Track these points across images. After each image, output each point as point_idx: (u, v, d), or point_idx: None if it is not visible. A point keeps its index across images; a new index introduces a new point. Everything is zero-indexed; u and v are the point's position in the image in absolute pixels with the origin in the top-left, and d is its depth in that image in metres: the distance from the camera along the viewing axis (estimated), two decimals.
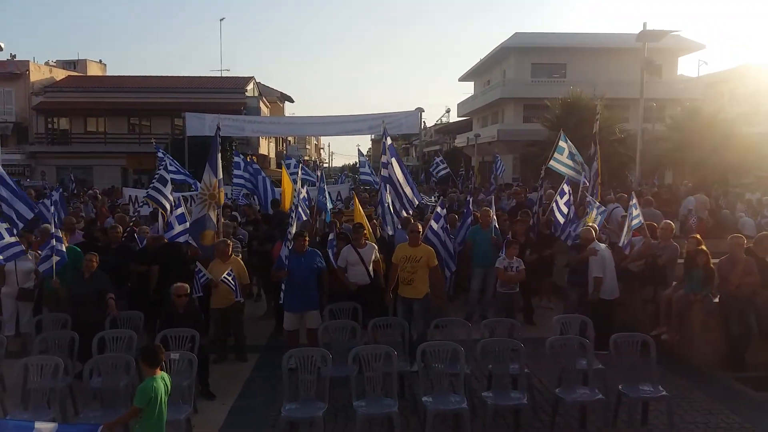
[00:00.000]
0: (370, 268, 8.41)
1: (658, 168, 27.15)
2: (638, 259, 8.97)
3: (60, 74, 42.28)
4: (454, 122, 57.87)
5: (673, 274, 8.77)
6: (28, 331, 8.56)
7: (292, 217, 8.52)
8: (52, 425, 4.71)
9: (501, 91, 39.36)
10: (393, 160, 10.65)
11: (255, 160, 29.90)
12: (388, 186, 10.27)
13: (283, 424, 5.57)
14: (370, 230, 9.57)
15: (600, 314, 7.95)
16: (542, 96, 30.85)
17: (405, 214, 10.27)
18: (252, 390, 7.35)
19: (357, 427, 5.54)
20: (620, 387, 6.08)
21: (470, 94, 49.57)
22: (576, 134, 13.49)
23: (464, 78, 50.53)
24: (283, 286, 7.86)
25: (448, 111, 67.20)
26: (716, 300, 7.97)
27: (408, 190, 10.62)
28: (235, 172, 14.81)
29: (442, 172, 21.28)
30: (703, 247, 8.28)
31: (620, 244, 9.17)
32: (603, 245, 8.75)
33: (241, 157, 15.08)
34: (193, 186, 15.13)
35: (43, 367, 5.83)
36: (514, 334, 6.87)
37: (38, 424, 4.66)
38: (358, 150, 16.14)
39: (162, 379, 4.58)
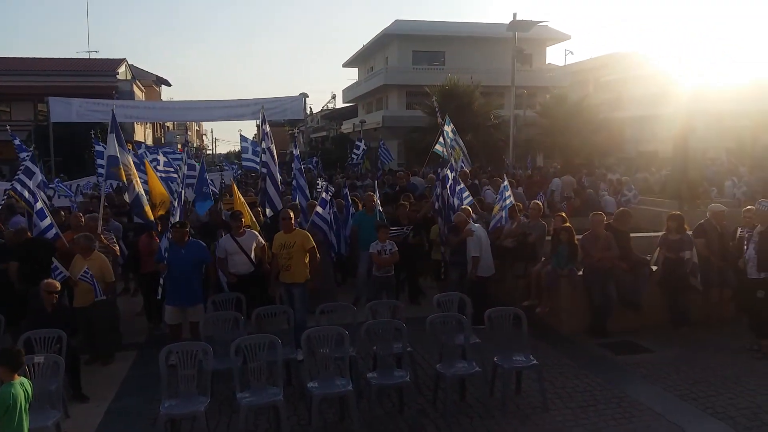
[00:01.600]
0: (252, 255, 8.28)
1: (530, 151, 28.83)
2: (510, 236, 9.52)
3: None
4: (340, 108, 57.93)
5: (542, 250, 9.39)
6: None
7: (173, 206, 8.18)
8: None
9: (384, 77, 39.87)
10: (272, 146, 10.50)
11: (131, 148, 28.17)
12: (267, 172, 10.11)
13: (162, 421, 5.36)
14: (252, 217, 9.40)
15: (478, 291, 8.39)
16: (423, 83, 31.62)
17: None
18: (130, 389, 7.00)
19: (241, 419, 5.46)
20: (495, 359, 6.45)
21: (355, 80, 49.80)
22: (454, 120, 13.96)
23: (348, 64, 50.64)
24: (161, 280, 7.53)
25: (333, 97, 67.14)
26: (580, 273, 8.65)
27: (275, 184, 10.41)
28: (98, 161, 13.94)
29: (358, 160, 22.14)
30: (568, 224, 8.93)
31: (493, 224, 9.70)
32: (477, 225, 9.21)
33: (102, 145, 14.20)
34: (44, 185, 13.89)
35: None
36: (396, 314, 7.07)
37: None
38: (240, 135, 15.71)
39: (21, 385, 4.23)
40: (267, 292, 8.33)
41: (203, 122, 75.83)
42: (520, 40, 24.02)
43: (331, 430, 5.91)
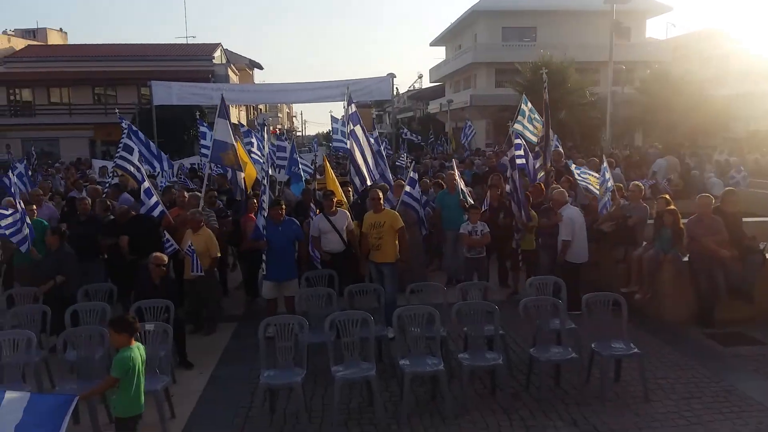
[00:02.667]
0: (344, 235, 8.42)
1: (628, 131, 27.45)
2: (609, 220, 9.11)
3: (20, 44, 40.76)
4: (426, 88, 57.50)
5: (643, 234, 8.93)
6: None
7: (264, 186, 8.43)
8: (24, 394, 4.65)
9: (472, 55, 39.14)
10: (357, 128, 10.54)
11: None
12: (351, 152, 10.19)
13: (262, 390, 5.59)
14: (343, 197, 9.53)
15: (569, 277, 8.08)
16: (513, 60, 30.77)
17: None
18: (230, 359, 7.35)
19: (336, 392, 5.59)
20: (593, 345, 6.23)
21: (442, 59, 49.22)
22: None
23: (436, 42, 50.06)
24: (264, 256, 7.81)
25: (420, 77, 66.70)
26: (685, 259, 8.16)
27: (370, 161, 10.43)
28: (202, 142, 14.54)
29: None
30: (672, 206, 8.43)
31: (601, 207, 9.28)
32: (575, 208, 8.85)
33: (206, 126, 14.81)
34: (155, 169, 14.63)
35: (16, 342, 5.74)
36: (487, 296, 6.98)
37: (8, 394, 4.60)
38: (331, 116, 15.89)
39: (138, 349, 4.54)
40: (358, 270, 8.44)
41: (293, 104, 77.68)
42: (617, 12, 22.73)
43: (423, 407, 5.93)
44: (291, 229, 7.95)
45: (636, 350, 6.12)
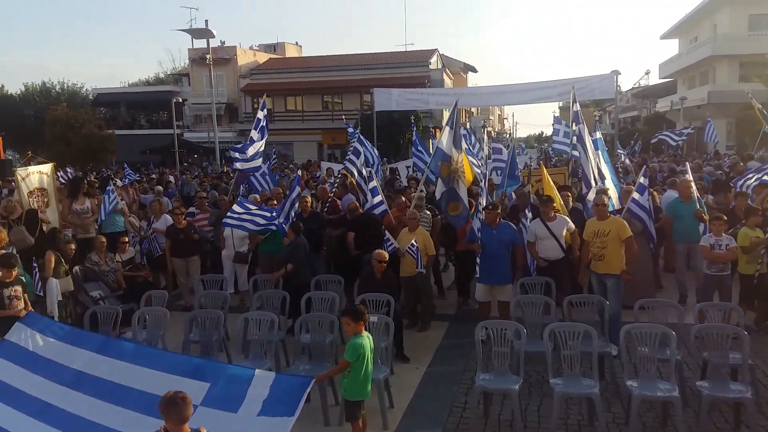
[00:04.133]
0: (562, 241, 8.06)
1: None
2: None
3: (262, 57, 46.33)
4: (654, 85, 52.96)
5: None
6: (244, 290, 9.65)
7: (481, 188, 8.42)
8: (270, 374, 5.22)
9: (712, 47, 35.08)
10: (581, 128, 9.99)
11: (437, 133, 30.27)
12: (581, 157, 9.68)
13: (477, 393, 5.58)
14: (561, 201, 9.14)
15: None
16: (763, 51, 26.86)
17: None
18: (444, 357, 7.49)
19: (554, 405, 5.36)
20: None
21: (675, 53, 44.89)
22: None
23: (667, 35, 45.83)
24: (477, 259, 7.83)
25: (647, 73, 61.76)
26: None
27: (593, 163, 9.82)
28: (415, 148, 15.15)
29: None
30: None
31: None
32: None
33: (416, 133, 15.47)
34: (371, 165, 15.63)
35: (261, 322, 6.48)
36: (731, 320, 6.14)
37: (258, 372, 5.20)
38: (554, 117, 15.29)
39: (367, 338, 4.82)
40: (577, 279, 8.03)
41: (505, 106, 77.13)
42: None
43: None
44: (506, 233, 7.83)
45: None
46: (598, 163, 9.97)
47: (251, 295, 8.24)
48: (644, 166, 10.25)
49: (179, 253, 9.77)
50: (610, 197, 8.95)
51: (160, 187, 15.51)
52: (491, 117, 78.23)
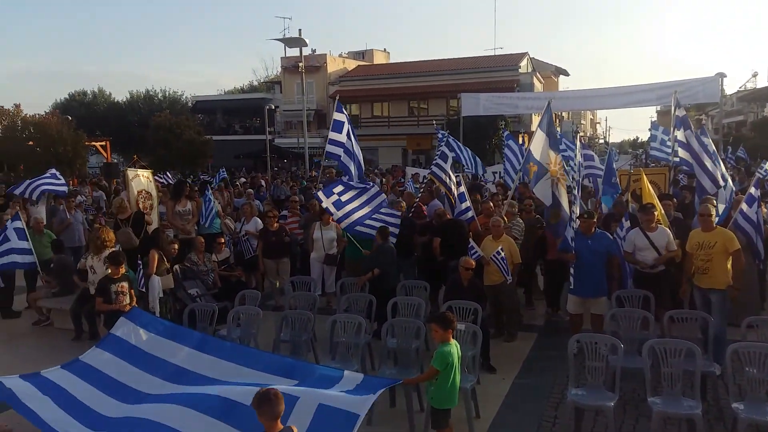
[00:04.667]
0: (663, 254, 7.64)
1: None
2: None
3: (351, 65, 47.23)
4: (762, 88, 49.38)
5: None
6: (331, 292, 9.83)
7: (574, 195, 8.16)
8: (358, 375, 5.29)
9: None
10: (687, 133, 9.45)
11: (525, 139, 29.67)
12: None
13: (569, 408, 5.39)
14: (662, 212, 8.67)
15: None
16: None
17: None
18: (532, 369, 7.29)
19: (652, 425, 5.08)
20: None
21: None
22: None
23: None
24: (571, 270, 7.57)
25: (755, 75, 57.65)
26: None
27: (709, 168, 9.30)
28: (506, 152, 14.86)
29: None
30: None
31: None
32: None
33: (512, 137, 15.12)
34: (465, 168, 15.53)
35: (348, 325, 6.58)
36: None
37: (347, 373, 5.29)
38: (651, 122, 14.56)
39: (455, 346, 4.77)
40: (677, 293, 7.59)
41: (598, 111, 74.57)
42: None
43: None
44: (602, 243, 7.52)
45: None
46: (718, 166, 9.39)
47: (338, 297, 8.38)
48: (756, 176, 9.54)
49: (271, 254, 10.10)
50: (716, 206, 8.42)
51: (251, 191, 16.15)
52: (583, 121, 75.71)
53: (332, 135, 10.92)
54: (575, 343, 5.70)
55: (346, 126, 11.02)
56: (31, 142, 16.50)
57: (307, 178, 22.61)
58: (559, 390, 6.46)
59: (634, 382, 6.15)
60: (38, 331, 9.43)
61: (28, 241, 9.66)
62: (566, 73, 50.23)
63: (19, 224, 9.70)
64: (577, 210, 7.82)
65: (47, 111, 23.93)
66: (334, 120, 11.04)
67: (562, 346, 5.95)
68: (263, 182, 21.11)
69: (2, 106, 17.73)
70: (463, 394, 5.52)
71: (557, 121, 50.67)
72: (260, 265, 10.22)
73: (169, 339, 6.25)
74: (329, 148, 10.86)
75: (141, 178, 10.62)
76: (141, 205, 10.22)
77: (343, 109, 11.35)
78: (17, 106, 17.84)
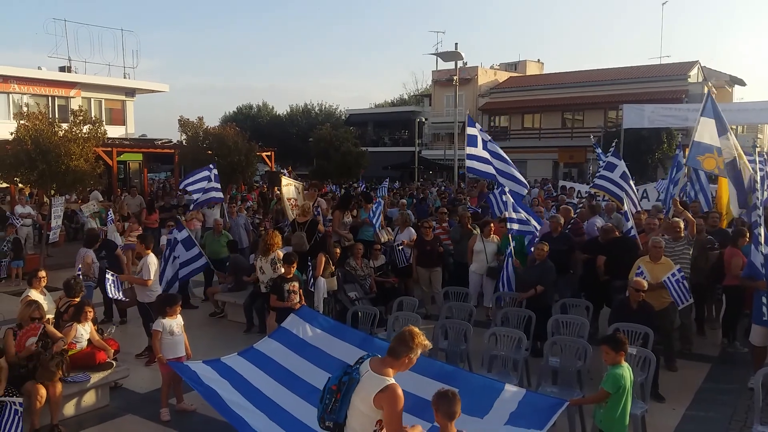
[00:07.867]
0: None
1: None
2: None
3: (503, 76, 46.66)
4: None
5: None
6: (488, 305, 9.77)
7: (759, 215, 7.40)
8: (521, 390, 5.21)
9: None
10: None
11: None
12: None
13: None
14: None
15: None
16: None
17: None
18: (705, 401, 6.73)
19: None
20: None
21: None
22: None
23: None
24: (764, 299, 6.85)
25: None
26: None
27: None
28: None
29: None
30: None
31: None
32: None
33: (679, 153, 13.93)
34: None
35: (507, 338, 6.52)
36: None
37: (508, 386, 5.24)
38: None
39: (627, 370, 4.56)
40: None
41: None
42: None
43: None
44: None
45: None
46: None
47: (494, 310, 8.32)
48: None
49: (424, 263, 10.30)
50: None
51: (404, 201, 16.53)
52: (759, 135, 68.17)
53: (469, 150, 11.03)
54: (764, 376, 5.18)
55: (479, 139, 11.01)
56: (210, 152, 18.25)
57: (457, 189, 22.67)
58: (737, 426, 5.95)
59: None
60: (213, 322, 10.40)
61: (196, 245, 10.06)
62: (742, 83, 45.57)
63: (185, 234, 9.92)
64: (763, 232, 7.09)
65: (219, 123, 26.42)
66: (467, 135, 11.08)
67: (739, 379, 5.43)
68: (421, 194, 21.26)
69: (188, 118, 19.76)
70: (633, 421, 5.24)
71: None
72: (414, 273, 10.45)
73: (333, 336, 6.62)
74: (468, 163, 11.04)
75: (292, 187, 11.44)
76: (293, 212, 10.98)
77: (475, 124, 11.37)
78: (200, 118, 19.83)
